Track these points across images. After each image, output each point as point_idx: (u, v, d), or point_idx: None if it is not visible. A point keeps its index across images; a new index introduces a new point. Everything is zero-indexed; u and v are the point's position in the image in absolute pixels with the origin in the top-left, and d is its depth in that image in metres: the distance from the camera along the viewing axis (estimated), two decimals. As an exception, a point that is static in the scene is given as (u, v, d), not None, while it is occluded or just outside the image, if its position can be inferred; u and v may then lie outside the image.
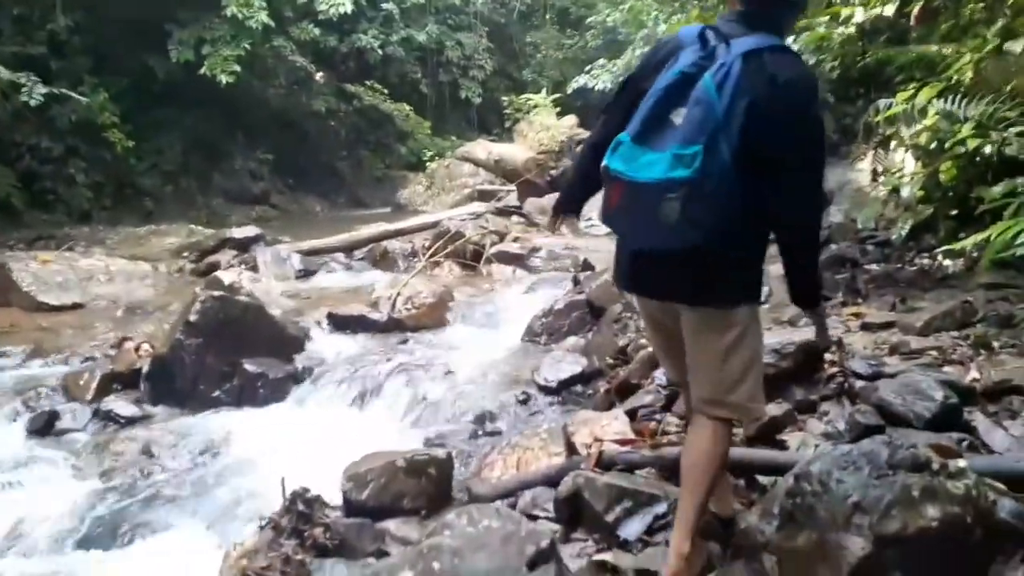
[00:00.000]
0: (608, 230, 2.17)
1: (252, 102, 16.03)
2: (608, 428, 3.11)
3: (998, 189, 4.84)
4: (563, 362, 4.47)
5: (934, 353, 3.75)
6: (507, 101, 16.90)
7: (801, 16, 2.46)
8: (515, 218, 11.90)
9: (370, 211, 17.27)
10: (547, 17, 23.74)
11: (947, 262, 5.72)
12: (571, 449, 3.10)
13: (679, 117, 1.84)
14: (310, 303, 6.77)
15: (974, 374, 3.34)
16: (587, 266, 7.56)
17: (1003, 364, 3.38)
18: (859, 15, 5.30)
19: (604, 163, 1.90)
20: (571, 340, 5.21)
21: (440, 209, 15.40)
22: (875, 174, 8.25)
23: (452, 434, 3.96)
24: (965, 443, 2.65)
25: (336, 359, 5.37)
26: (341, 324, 6.01)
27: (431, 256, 7.72)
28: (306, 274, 8.14)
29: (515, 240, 8.23)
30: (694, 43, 1.92)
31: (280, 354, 5.32)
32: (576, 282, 6.68)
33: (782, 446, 3.13)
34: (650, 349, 4.09)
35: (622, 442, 2.93)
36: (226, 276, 7.04)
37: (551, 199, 11.54)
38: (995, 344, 3.74)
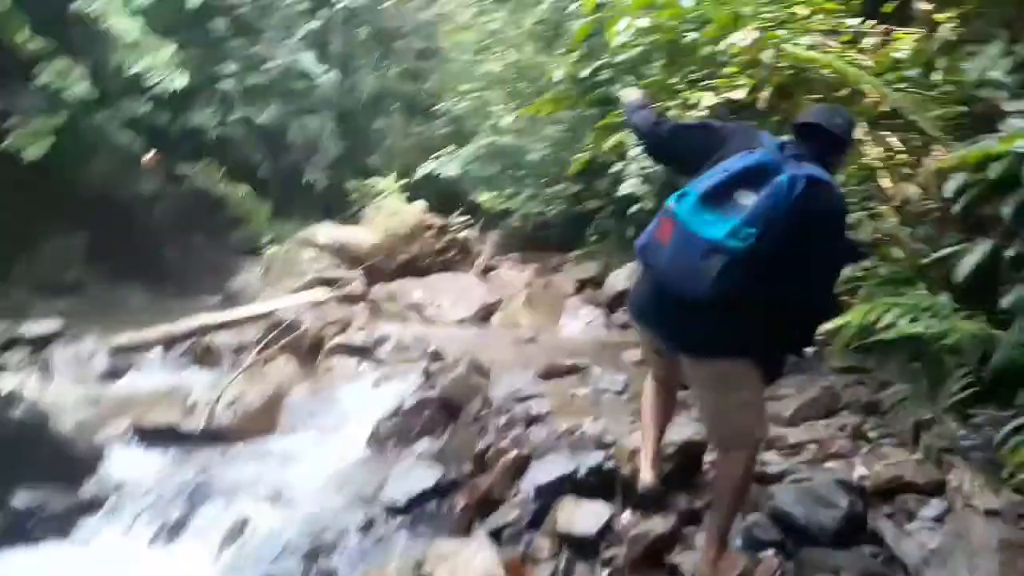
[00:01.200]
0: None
1: (68, 182, 14.47)
2: (472, 566, 2.52)
3: (846, 272, 4.83)
4: (413, 474, 3.86)
5: (813, 447, 3.49)
6: (353, 186, 16.36)
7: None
8: (360, 305, 11.22)
9: (199, 299, 15.88)
10: (395, 105, 23.69)
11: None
12: (425, 599, 2.48)
13: (744, 198, 2.22)
14: (113, 411, 5.73)
15: (861, 470, 3.07)
16: (438, 356, 7.00)
17: (887, 457, 3.15)
18: (708, 99, 5.26)
19: (670, 203, 2.29)
20: (423, 444, 4.61)
21: (278, 298, 14.44)
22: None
23: (277, 577, 3.20)
24: (879, 558, 2.31)
25: (138, 482, 4.45)
26: (148, 437, 5.09)
27: (262, 350, 6.88)
28: (113, 375, 7.03)
29: (360, 330, 7.56)
30: (773, 147, 2.36)
31: (66, 478, 4.36)
32: (427, 375, 6.10)
33: (675, 570, 2.66)
34: (513, 455, 3.57)
35: (489, 588, 2.35)
36: (8, 382, 5.87)
37: (401, 285, 11.06)
38: (871, 434, 3.53)
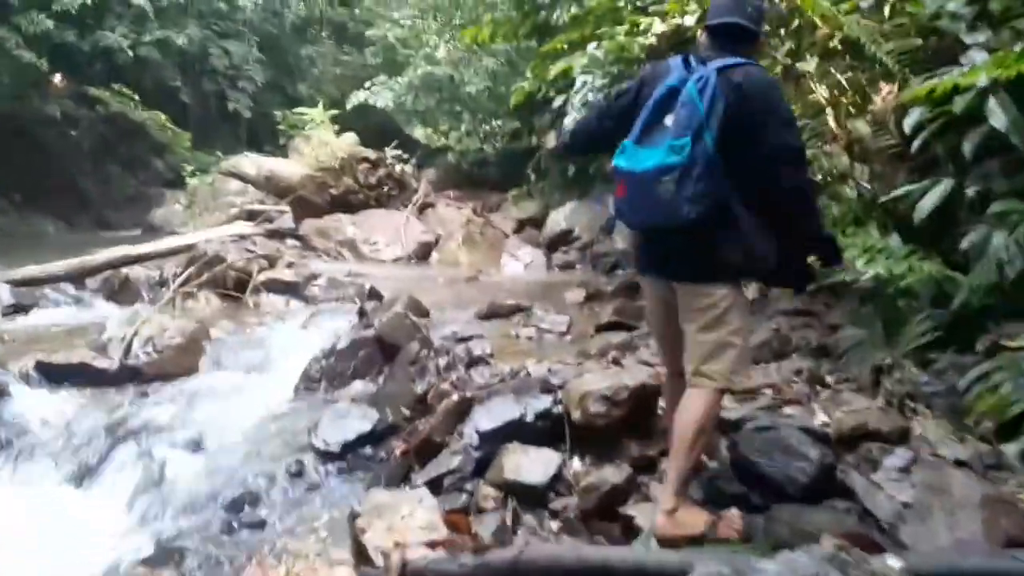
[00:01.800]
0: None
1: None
2: (411, 521, 2.32)
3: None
4: (348, 417, 3.60)
5: (769, 392, 3.38)
6: (281, 116, 15.57)
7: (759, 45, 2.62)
8: (289, 241, 10.73)
9: (117, 233, 14.98)
10: (323, 32, 22.59)
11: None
12: (362, 556, 2.27)
13: (669, 120, 2.27)
14: (16, 348, 5.26)
15: (822, 417, 2.97)
16: (374, 295, 6.69)
17: (848, 403, 3.05)
18: (658, 26, 5.01)
19: (613, 164, 2.33)
20: (358, 386, 4.34)
21: (201, 231, 13.75)
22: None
23: (196, 530, 2.94)
24: (851, 513, 2.20)
25: (44, 425, 4.06)
26: (55, 376, 4.64)
27: (182, 284, 6.44)
28: (17, 310, 6.47)
29: (289, 266, 7.17)
30: (679, 66, 2.39)
31: (-41, 422, 3.93)
32: (362, 314, 5.78)
33: (629, 522, 2.51)
34: (455, 398, 3.36)
35: (433, 544, 2.15)
36: None
37: (332, 221, 10.61)
38: (828, 379, 3.44)
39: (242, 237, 7.52)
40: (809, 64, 4.78)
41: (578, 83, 5.19)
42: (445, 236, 10.04)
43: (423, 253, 9.71)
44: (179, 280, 6.35)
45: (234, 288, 6.72)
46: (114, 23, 15.26)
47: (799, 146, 2.38)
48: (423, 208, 11.25)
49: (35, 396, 4.47)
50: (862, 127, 4.78)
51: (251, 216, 13.49)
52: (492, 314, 5.79)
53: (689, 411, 2.37)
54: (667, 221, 2.27)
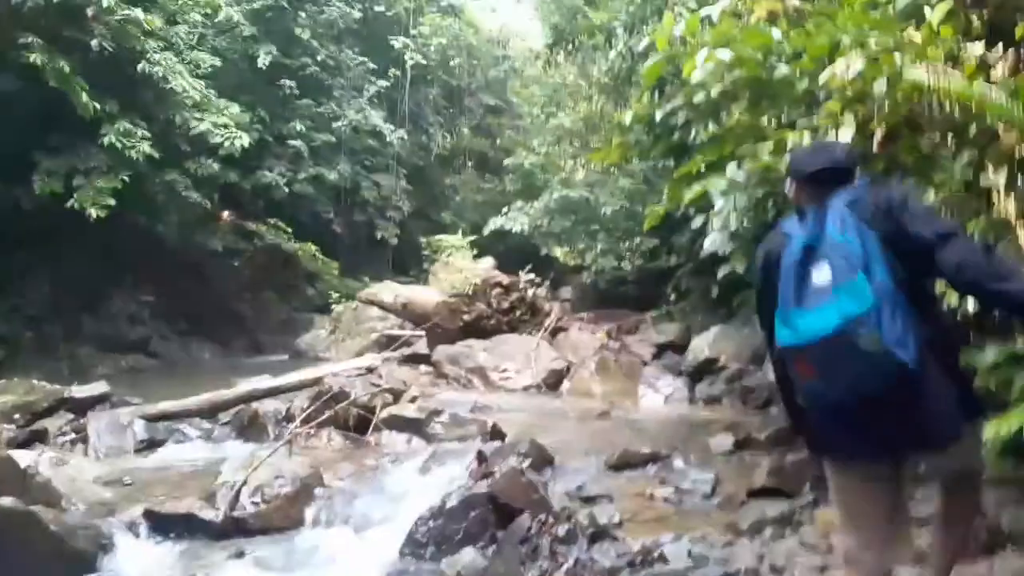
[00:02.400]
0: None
1: (139, 240, 14.61)
2: None
3: (990, 356, 3.87)
4: (448, 608, 3.06)
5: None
6: (425, 242, 16.00)
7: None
8: (423, 367, 10.62)
9: (267, 358, 15.67)
10: (467, 162, 23.55)
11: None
12: None
13: (818, 279, 1.95)
14: (133, 492, 5.17)
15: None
16: (497, 434, 6.24)
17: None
18: (808, 141, 4.44)
19: (779, 346, 1.98)
20: (467, 556, 3.81)
21: (344, 357, 13.98)
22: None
23: None
24: None
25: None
26: (162, 526, 4.46)
27: (305, 422, 6.26)
28: (150, 445, 6.53)
29: (412, 400, 6.88)
30: (794, 226, 2.12)
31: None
32: (481, 460, 5.33)
33: None
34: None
35: None
36: (28, 454, 5.43)
37: (464, 347, 10.40)
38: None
39: (368, 369, 7.35)
40: (998, 177, 4.03)
41: (718, 204, 4.69)
42: (577, 363, 9.52)
43: (554, 381, 9.21)
44: (299, 419, 6.18)
45: (357, 424, 6.48)
46: (272, 163, 16.49)
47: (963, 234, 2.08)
48: (556, 332, 10.86)
49: (139, 548, 4.28)
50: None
51: (389, 341, 13.74)
52: (624, 464, 5.15)
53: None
54: (885, 380, 1.85)
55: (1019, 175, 4.55)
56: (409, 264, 20.22)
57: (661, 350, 10.10)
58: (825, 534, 3.50)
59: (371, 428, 6.36)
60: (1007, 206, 4.77)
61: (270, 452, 5.32)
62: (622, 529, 3.82)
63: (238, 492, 4.68)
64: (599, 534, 3.66)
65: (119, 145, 11.52)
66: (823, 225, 2.00)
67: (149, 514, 4.53)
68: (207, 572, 3.90)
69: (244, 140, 13.98)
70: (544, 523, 3.88)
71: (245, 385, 7.39)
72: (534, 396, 8.82)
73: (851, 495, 2.17)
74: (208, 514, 4.52)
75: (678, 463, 5.17)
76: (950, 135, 4.89)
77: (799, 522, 3.68)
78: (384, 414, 6.49)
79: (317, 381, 7.06)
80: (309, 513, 4.71)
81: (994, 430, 2.88)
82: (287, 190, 16.56)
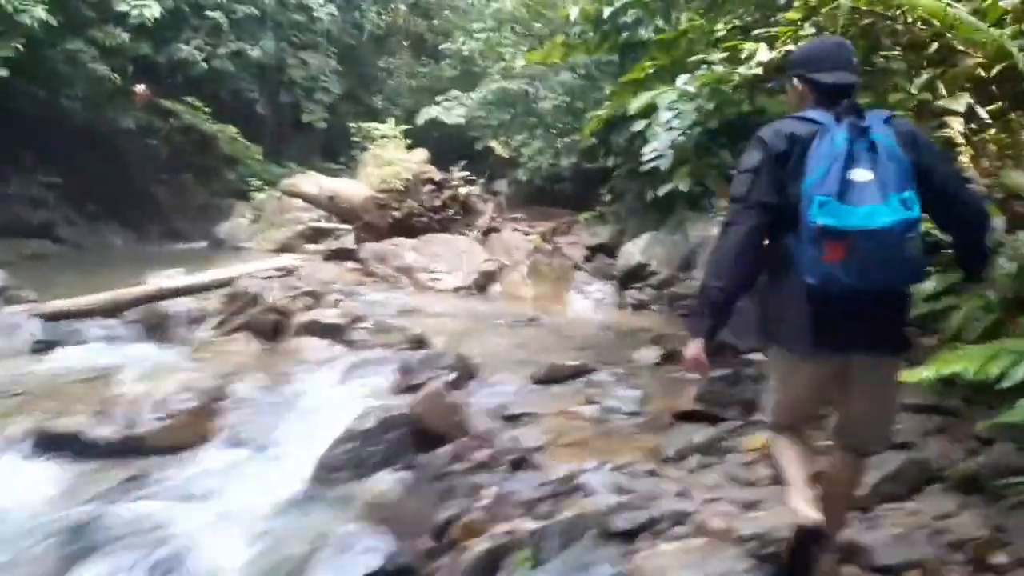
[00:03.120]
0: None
1: (40, 116, 13.38)
2: None
3: (929, 284, 3.77)
4: (354, 550, 2.86)
5: None
6: (355, 128, 15.18)
7: None
8: (349, 264, 10.24)
9: (185, 245, 14.94)
10: (403, 43, 22.28)
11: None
12: None
13: (861, 175, 2.03)
14: (22, 404, 4.77)
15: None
16: (421, 343, 6.02)
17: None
18: (764, 53, 4.13)
19: (819, 223, 1.99)
20: (382, 483, 3.63)
21: (267, 247, 13.41)
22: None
23: None
24: None
25: (19, 514, 3.50)
26: (51, 445, 4.12)
27: (219, 326, 5.89)
28: (46, 347, 6.05)
29: (335, 304, 6.55)
30: (832, 122, 2.12)
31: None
32: (404, 372, 5.13)
33: None
34: (482, 548, 2.59)
35: None
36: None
37: (392, 245, 10.03)
38: (1000, 558, 2.51)
39: (287, 270, 6.94)
40: (958, 101, 3.83)
41: (665, 116, 4.37)
42: (510, 265, 9.30)
43: (485, 283, 9.00)
44: (210, 324, 5.80)
45: (274, 329, 6.15)
46: (189, 35, 15.17)
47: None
48: (488, 232, 10.58)
49: (24, 471, 3.95)
50: (1019, 179, 3.81)
51: (316, 234, 13.20)
52: (550, 378, 5.01)
53: (853, 479, 2.40)
54: (910, 280, 2.17)
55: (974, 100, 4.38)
56: (339, 150, 19.29)
57: (593, 252, 9.95)
58: (751, 463, 3.44)
59: (289, 334, 6.03)
60: (954, 126, 4.63)
61: (176, 360, 4.97)
62: (545, 453, 3.68)
63: (137, 407, 4.35)
64: (521, 461, 3.50)
65: (9, 8, 10.29)
66: (866, 132, 2.07)
67: (36, 432, 4.18)
68: (98, 498, 3.61)
69: (154, 9, 12.70)
70: (465, 447, 3.72)
71: (152, 283, 6.89)
72: (464, 298, 8.60)
73: (799, 384, 2.30)
74: (103, 431, 4.20)
75: (604, 377, 5.07)
76: (904, 50, 4.67)
77: (725, 449, 3.60)
78: (303, 319, 6.16)
79: (231, 281, 6.64)
80: (216, 430, 4.42)
81: (935, 369, 2.77)
82: (206, 66, 15.31)
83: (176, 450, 4.18)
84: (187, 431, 4.34)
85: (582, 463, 3.51)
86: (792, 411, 2.35)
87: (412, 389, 4.82)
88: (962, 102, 3.94)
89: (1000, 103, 4.61)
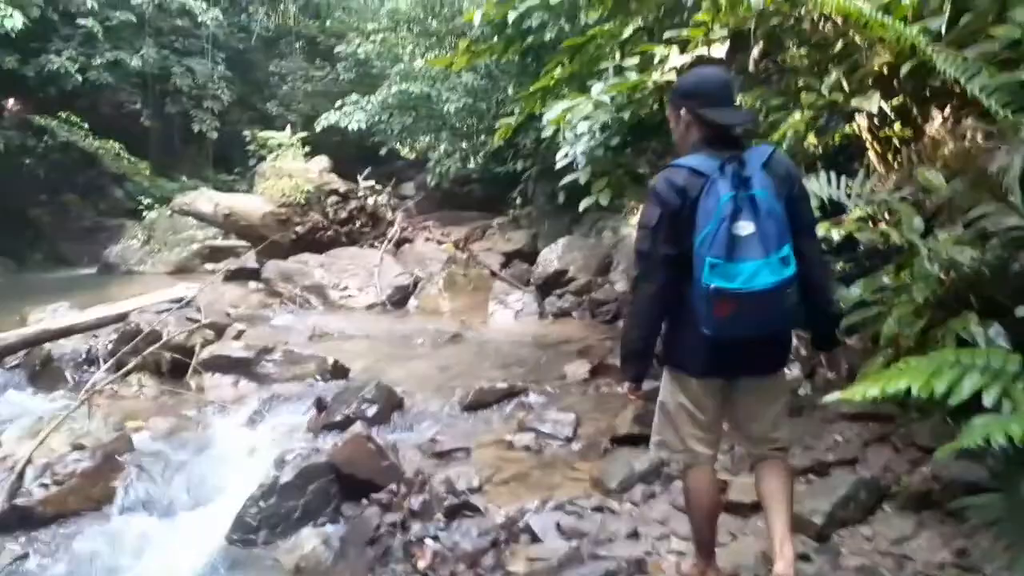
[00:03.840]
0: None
1: None
2: None
3: (855, 291, 3.75)
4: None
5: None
6: (249, 136, 14.47)
7: None
8: (252, 284, 9.71)
9: (72, 272, 13.94)
10: (295, 45, 21.50)
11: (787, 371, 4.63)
12: None
13: (744, 230, 2.20)
14: None
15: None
16: (339, 370, 5.70)
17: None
18: (676, 57, 4.01)
19: (712, 286, 2.20)
20: (307, 542, 3.32)
21: (161, 269, 12.66)
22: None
23: None
24: None
25: None
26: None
27: (114, 369, 5.39)
28: (-89, 405, 5.40)
29: (238, 336, 6.11)
30: (717, 173, 2.25)
31: None
32: (321, 407, 4.80)
33: None
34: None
35: None
36: None
37: (298, 263, 9.56)
38: None
39: (183, 301, 6.43)
40: (870, 100, 3.81)
41: (581, 127, 4.20)
42: (424, 277, 9.01)
43: (400, 298, 8.69)
44: (101, 369, 5.30)
45: (174, 368, 5.68)
46: (60, 45, 14.12)
47: None
48: (400, 243, 10.26)
49: None
50: (934, 178, 3.82)
51: (213, 253, 12.52)
52: (479, 403, 4.79)
53: (783, 476, 2.51)
54: (790, 325, 2.45)
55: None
56: (233, 160, 18.44)
57: (509, 259, 9.78)
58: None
59: (190, 371, 5.58)
60: (858, 121, 4.67)
61: (63, 416, 4.48)
62: (482, 494, 3.46)
63: (20, 474, 3.88)
64: (457, 507, 3.27)
65: None
66: (748, 184, 2.21)
67: (-98, 510, 3.65)
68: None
69: (16, 20, 11.68)
70: (396, 495, 3.46)
71: (31, 327, 6.25)
72: (379, 316, 8.26)
73: (702, 403, 2.49)
74: (-19, 504, 3.70)
75: (535, 398, 4.89)
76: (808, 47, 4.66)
77: (668, 476, 3.46)
78: (205, 354, 5.71)
79: (122, 318, 6.09)
80: (113, 492, 3.98)
81: (879, 387, 2.69)
82: (80, 78, 14.27)
83: (71, 516, 3.74)
84: (82, 495, 3.88)
85: (523, 502, 3.33)
86: (698, 424, 2.50)
87: (332, 427, 4.53)
88: (874, 101, 3.93)
89: (902, 98, 4.68)
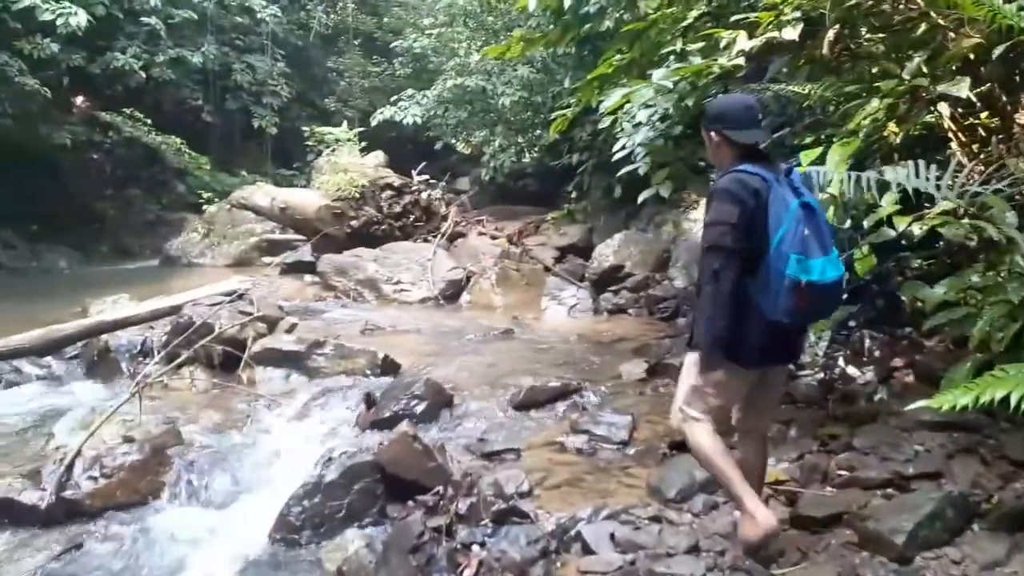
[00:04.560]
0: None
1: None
2: None
3: (939, 290, 3.46)
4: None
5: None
6: (308, 132, 14.58)
7: None
8: (308, 277, 9.75)
9: (135, 264, 14.26)
10: (352, 42, 21.65)
11: (859, 373, 4.35)
12: None
13: (808, 233, 2.49)
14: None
15: None
16: (389, 365, 5.60)
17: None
18: (743, 41, 3.77)
19: (798, 279, 2.43)
20: (351, 543, 3.21)
21: (221, 261, 12.85)
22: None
23: None
24: None
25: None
26: (-27, 514, 3.63)
27: (166, 361, 5.40)
28: (-26, 393, 5.51)
29: (290, 329, 6.08)
30: (776, 183, 2.56)
31: None
32: (370, 403, 4.70)
33: None
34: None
35: None
36: None
37: (352, 257, 9.54)
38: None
39: (237, 294, 6.43)
40: (959, 86, 3.51)
41: (641, 115, 3.99)
42: (477, 272, 8.88)
43: (453, 293, 8.58)
44: (153, 361, 5.30)
45: (226, 361, 5.66)
46: (124, 43, 14.44)
47: None
48: (453, 238, 10.15)
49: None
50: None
51: (271, 246, 12.65)
52: (530, 403, 4.62)
53: (764, 450, 2.90)
54: (835, 309, 2.91)
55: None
56: (292, 156, 18.67)
57: (563, 253, 9.58)
58: (765, 500, 3.08)
59: (242, 364, 5.55)
60: (944, 114, 4.35)
61: (113, 409, 4.48)
62: (532, 499, 3.29)
63: (70, 466, 3.87)
64: (506, 512, 3.11)
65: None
66: (800, 193, 2.54)
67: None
68: (32, 572, 3.15)
69: (80, 17, 11.94)
70: (443, 497, 3.32)
71: (87, 319, 6.33)
72: (431, 310, 8.17)
73: (737, 390, 2.70)
74: (32, 496, 3.71)
75: (588, 398, 4.70)
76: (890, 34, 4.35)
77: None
78: (257, 347, 5.68)
79: (175, 310, 6.12)
80: (163, 485, 3.95)
81: (973, 395, 2.44)
82: (144, 75, 14.58)
83: (120, 509, 3.72)
84: (130, 488, 3.87)
85: (575, 509, 3.15)
86: (724, 413, 2.75)
87: (379, 424, 4.41)
88: (963, 86, 3.63)
89: (988, 85, 4.34)
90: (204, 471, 4.09)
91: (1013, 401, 2.36)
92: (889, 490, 2.96)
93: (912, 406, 2.57)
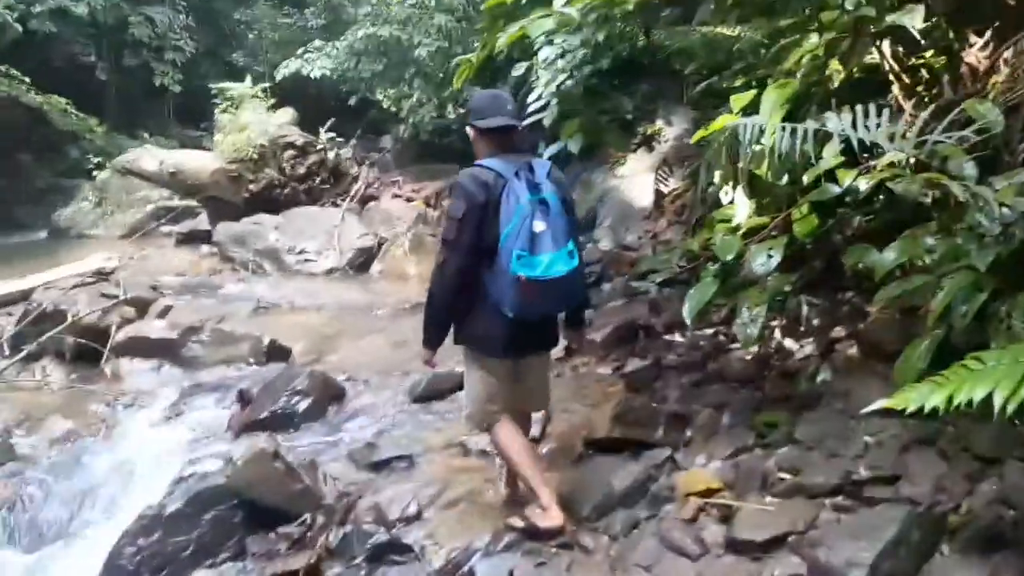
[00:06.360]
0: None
1: None
2: None
3: (891, 255, 2.96)
4: None
5: None
6: (215, 90, 13.44)
7: None
8: (204, 248, 8.90)
9: (22, 237, 13.01)
10: (262, -9, 20.20)
11: (796, 346, 3.88)
12: None
13: (538, 227, 2.60)
14: None
15: None
16: (277, 352, 4.93)
17: None
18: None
19: (519, 275, 2.56)
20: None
21: (115, 232, 11.79)
22: (659, 195, 6.44)
23: None
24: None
25: None
26: None
27: (11, 352, 4.60)
28: None
29: (163, 313, 5.31)
30: (514, 178, 2.62)
31: None
32: (244, 401, 4.05)
33: None
34: None
35: None
36: None
37: (252, 224, 8.71)
38: None
39: (100, 274, 5.61)
40: (913, 16, 3.00)
41: (545, 52, 3.38)
42: (390, 238, 8.19)
43: (362, 262, 7.90)
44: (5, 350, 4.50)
45: (85, 352, 4.88)
46: (-5, -8, 12.97)
47: None
48: (365, 201, 9.40)
49: None
50: (988, 112, 3.02)
51: (169, 215, 11.64)
52: (431, 394, 4.04)
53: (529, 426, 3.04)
54: (575, 303, 2.91)
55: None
56: (199, 115, 17.34)
57: (485, 216, 8.95)
58: (692, 519, 2.58)
59: (104, 357, 4.80)
60: (885, 52, 3.89)
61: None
62: (420, 524, 2.74)
63: None
64: (385, 547, 2.54)
65: None
66: (539, 189, 2.62)
67: None
68: None
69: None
70: (310, 528, 2.72)
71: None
72: (338, 282, 7.47)
73: (500, 379, 2.79)
74: None
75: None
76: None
77: (656, 497, 2.74)
78: (122, 335, 4.92)
79: (26, 295, 5.28)
80: (-8, 511, 3.24)
81: (945, 393, 1.95)
82: (20, 28, 13.15)
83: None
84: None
85: (471, 536, 2.62)
86: (498, 396, 2.80)
87: (255, 426, 3.79)
88: (918, 16, 3.13)
89: (934, 19, 3.87)
90: (41, 495, 3.38)
91: (997, 403, 1.88)
92: (840, 498, 2.48)
93: (869, 408, 2.08)
